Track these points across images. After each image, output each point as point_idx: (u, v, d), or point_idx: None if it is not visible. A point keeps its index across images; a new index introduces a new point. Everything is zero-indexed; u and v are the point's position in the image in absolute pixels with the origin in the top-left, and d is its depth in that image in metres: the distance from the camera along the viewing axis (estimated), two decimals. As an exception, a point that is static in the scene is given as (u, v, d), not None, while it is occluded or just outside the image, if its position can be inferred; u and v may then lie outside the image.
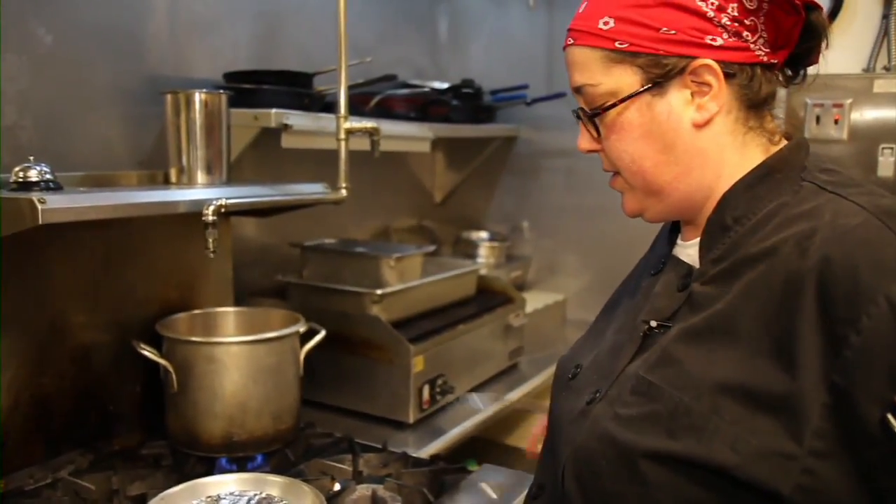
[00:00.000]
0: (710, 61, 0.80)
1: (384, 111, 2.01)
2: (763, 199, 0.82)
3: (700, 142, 0.84)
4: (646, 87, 0.82)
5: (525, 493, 1.03)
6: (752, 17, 0.81)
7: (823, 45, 0.85)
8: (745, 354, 0.74)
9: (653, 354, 0.82)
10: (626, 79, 0.83)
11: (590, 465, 0.81)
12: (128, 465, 1.41)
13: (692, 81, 0.82)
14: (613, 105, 0.84)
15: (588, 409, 0.85)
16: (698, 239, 0.87)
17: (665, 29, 0.80)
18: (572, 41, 0.86)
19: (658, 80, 0.82)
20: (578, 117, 0.90)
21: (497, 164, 2.68)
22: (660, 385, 0.78)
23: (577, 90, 0.88)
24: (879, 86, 1.96)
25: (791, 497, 0.70)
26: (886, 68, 2.04)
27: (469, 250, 2.55)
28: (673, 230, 0.96)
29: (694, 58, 0.80)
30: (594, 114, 0.86)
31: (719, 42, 0.80)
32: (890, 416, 0.67)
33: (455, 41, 2.69)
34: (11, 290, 1.33)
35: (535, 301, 2.41)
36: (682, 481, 0.74)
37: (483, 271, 2.24)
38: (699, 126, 0.83)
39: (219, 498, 1.16)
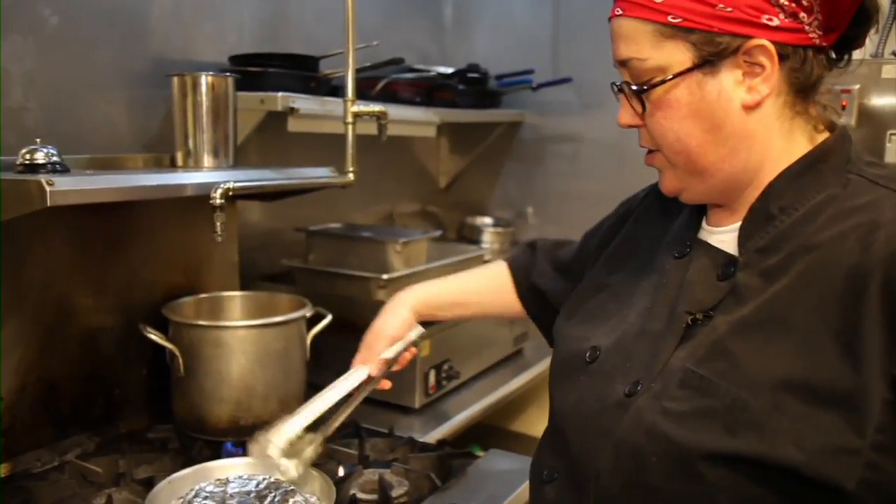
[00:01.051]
0: (765, 42, 0.78)
1: (389, 95, 2.00)
2: (809, 190, 0.81)
3: (748, 124, 0.81)
4: (697, 65, 0.79)
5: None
6: None
7: (872, 29, 0.84)
8: (801, 348, 0.73)
9: (700, 347, 0.79)
10: (678, 55, 0.80)
11: (636, 460, 0.79)
12: (135, 448, 1.41)
13: (745, 62, 0.79)
14: (662, 81, 0.81)
15: (629, 402, 0.82)
16: (735, 225, 0.85)
17: (721, 6, 0.77)
18: (621, 11, 0.83)
19: (710, 59, 0.79)
20: (621, 90, 0.86)
21: (502, 149, 2.67)
22: (713, 379, 0.76)
23: (623, 63, 0.84)
24: (888, 71, 1.94)
25: (855, 492, 0.69)
26: (895, 54, 2.02)
27: (474, 236, 2.54)
28: (697, 211, 0.93)
29: (749, 37, 0.78)
30: (640, 90, 0.83)
31: (776, 22, 0.78)
32: None
33: (461, 26, 2.67)
34: (18, 273, 1.33)
35: (539, 287, 2.39)
36: (742, 480, 0.73)
37: (488, 257, 2.23)
38: (749, 108, 0.81)
39: (227, 481, 1.16)
